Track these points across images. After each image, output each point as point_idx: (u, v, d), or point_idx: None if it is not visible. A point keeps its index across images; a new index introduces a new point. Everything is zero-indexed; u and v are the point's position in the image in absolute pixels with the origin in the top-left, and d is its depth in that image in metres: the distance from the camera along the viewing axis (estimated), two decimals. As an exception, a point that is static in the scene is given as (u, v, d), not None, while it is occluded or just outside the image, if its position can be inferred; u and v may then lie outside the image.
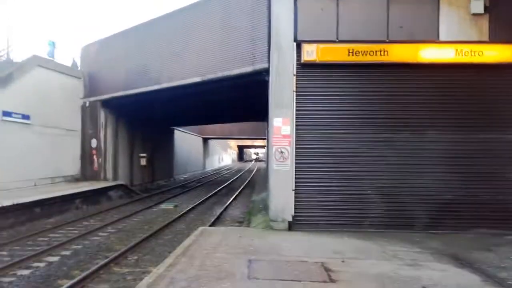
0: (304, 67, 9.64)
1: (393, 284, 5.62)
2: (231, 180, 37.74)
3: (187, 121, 34.62)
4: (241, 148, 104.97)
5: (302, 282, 5.65)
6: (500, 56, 9.36)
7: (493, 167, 9.62)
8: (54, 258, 9.80)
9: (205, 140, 54.20)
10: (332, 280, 5.75)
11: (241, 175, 46.33)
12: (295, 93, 9.58)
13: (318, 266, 6.43)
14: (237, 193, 25.14)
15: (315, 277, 5.89)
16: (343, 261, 6.75)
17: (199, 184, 33.00)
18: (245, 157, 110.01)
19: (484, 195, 9.58)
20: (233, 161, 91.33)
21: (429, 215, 9.61)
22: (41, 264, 9.27)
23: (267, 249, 7.44)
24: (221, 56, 15.51)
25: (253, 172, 49.03)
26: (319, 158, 9.69)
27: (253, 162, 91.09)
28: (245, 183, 33.15)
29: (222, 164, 74.59)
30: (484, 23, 9.46)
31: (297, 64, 9.63)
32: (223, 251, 7.18)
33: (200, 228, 9.49)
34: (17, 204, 13.00)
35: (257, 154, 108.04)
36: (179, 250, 7.25)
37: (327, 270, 6.22)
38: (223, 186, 30.57)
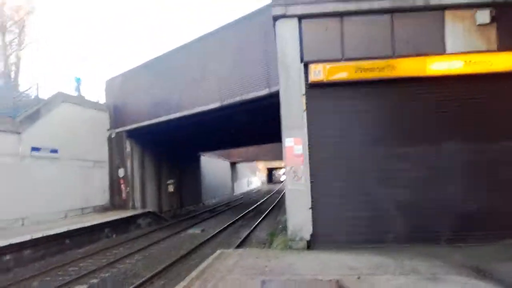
0: (313, 87, 9.78)
1: (406, 299, 5.57)
2: (260, 202, 37.75)
3: (212, 146, 35.11)
4: (270, 170, 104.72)
5: (313, 300, 5.69)
6: (510, 63, 9.24)
7: (516, 175, 9.37)
8: (82, 287, 10.16)
9: (233, 164, 54.58)
10: (344, 297, 5.76)
11: (269, 197, 46.24)
12: (305, 113, 9.71)
13: (333, 283, 6.43)
14: (264, 214, 25.19)
15: (327, 294, 5.91)
16: (358, 278, 6.72)
17: (227, 208, 33.21)
18: (274, 179, 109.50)
19: (509, 204, 9.29)
20: (262, 183, 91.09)
21: (453, 228, 9.35)
22: (70, 293, 9.64)
23: (283, 269, 7.46)
24: (238, 80, 15.92)
25: (282, 193, 48.85)
26: (334, 175, 9.69)
27: (282, 183, 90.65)
28: (273, 204, 33.09)
29: (251, 187, 74.55)
30: (492, 32, 9.38)
31: (306, 85, 9.78)
32: (238, 273, 7.26)
33: (218, 251, 9.60)
34: (48, 236, 13.53)
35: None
36: (194, 273, 7.39)
37: (340, 287, 6.22)
38: (251, 208, 30.64)
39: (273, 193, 53.14)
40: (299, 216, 9.57)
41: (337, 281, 6.55)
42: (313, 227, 9.57)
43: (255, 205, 33.79)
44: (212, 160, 42.14)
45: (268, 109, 14.72)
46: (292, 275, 7.01)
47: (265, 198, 44.26)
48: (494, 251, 8.57)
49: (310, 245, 9.49)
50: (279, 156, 47.34)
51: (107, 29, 72.97)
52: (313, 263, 7.90)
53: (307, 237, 9.51)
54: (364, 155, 9.68)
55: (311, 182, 9.67)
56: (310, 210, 9.58)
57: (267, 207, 30.79)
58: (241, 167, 63.07)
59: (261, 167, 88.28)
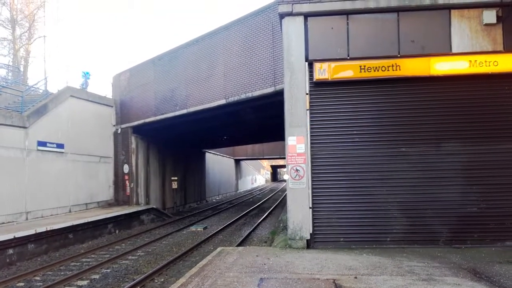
0: (317, 86, 9.76)
1: (403, 300, 5.54)
2: (263, 200, 37.75)
3: (217, 143, 35.15)
4: (274, 168, 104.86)
5: (309, 299, 5.67)
6: (516, 64, 9.16)
7: (517, 177, 9.31)
8: (84, 282, 10.19)
9: (237, 162, 54.63)
10: (341, 297, 5.74)
11: (273, 195, 46.26)
12: (308, 112, 9.68)
13: (329, 283, 6.41)
14: (267, 213, 25.20)
15: (324, 294, 5.89)
16: (355, 278, 6.70)
17: (230, 205, 33.23)
18: (279, 177, 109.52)
19: (508, 206, 9.25)
20: (266, 181, 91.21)
21: (452, 229, 9.35)
22: (70, 289, 9.69)
23: (281, 268, 7.46)
24: (245, 78, 15.89)
25: (286, 192, 48.91)
26: (335, 174, 9.68)
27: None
28: (277, 203, 33.11)
29: (256, 185, 74.63)
30: (498, 33, 9.31)
31: (310, 83, 9.77)
32: (237, 271, 7.26)
33: (219, 249, 9.62)
34: (51, 230, 13.60)
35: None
36: (194, 270, 7.40)
37: (338, 286, 6.19)
38: (254, 206, 30.67)
39: (277, 191, 53.15)
40: (299, 215, 9.56)
41: (334, 281, 6.53)
42: (313, 227, 9.57)
43: (259, 203, 33.80)
44: (216, 157, 42.21)
45: (274, 107, 14.74)
46: (290, 274, 7.00)
47: (269, 196, 44.25)
48: (493, 253, 8.56)
49: (310, 244, 9.49)
50: (283, 154, 47.44)
51: (117, 24, 73.26)
52: (311, 262, 7.89)
53: (307, 236, 9.50)
54: (366, 154, 9.66)
55: (313, 181, 9.66)
56: (311, 210, 9.56)
57: (270, 206, 30.82)
58: (246, 164, 63.16)
59: (266, 165, 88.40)
